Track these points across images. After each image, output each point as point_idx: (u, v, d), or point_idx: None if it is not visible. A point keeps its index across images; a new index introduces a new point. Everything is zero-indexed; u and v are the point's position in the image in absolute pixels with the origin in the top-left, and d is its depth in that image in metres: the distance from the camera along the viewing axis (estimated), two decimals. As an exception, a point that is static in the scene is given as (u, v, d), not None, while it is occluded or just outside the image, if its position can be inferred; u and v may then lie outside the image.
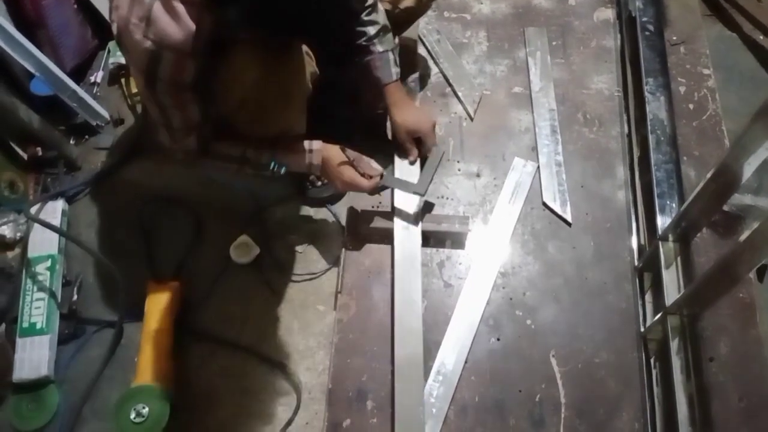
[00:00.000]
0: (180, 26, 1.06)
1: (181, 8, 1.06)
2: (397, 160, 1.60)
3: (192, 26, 1.07)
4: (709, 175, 1.19)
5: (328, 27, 1.25)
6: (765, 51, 1.97)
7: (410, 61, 1.78)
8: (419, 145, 1.56)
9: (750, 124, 1.04)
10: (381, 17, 1.47)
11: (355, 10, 1.42)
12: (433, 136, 1.56)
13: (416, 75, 1.77)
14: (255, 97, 1.23)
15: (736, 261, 1.06)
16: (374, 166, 1.43)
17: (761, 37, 1.96)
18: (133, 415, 1.31)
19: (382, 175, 1.44)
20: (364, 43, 1.46)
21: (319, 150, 1.38)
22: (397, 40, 1.52)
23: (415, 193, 1.50)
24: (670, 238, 1.37)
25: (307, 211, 1.67)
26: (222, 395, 1.45)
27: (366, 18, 1.44)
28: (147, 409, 1.32)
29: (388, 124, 1.60)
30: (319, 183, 1.65)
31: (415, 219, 1.52)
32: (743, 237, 1.01)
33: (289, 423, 1.41)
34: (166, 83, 1.13)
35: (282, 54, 1.24)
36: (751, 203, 1.55)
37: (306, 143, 1.38)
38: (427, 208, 1.56)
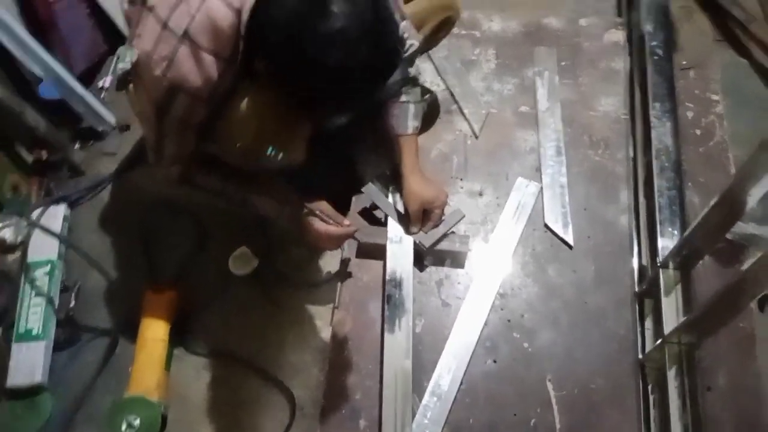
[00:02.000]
0: (201, 73, 1.07)
1: (208, 59, 1.06)
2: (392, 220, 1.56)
3: (214, 76, 1.08)
4: (712, 203, 1.17)
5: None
6: (775, 79, 1.95)
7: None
8: (425, 217, 1.52)
9: (756, 152, 1.03)
10: (413, 69, 1.46)
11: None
12: (442, 213, 1.52)
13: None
14: (255, 148, 1.21)
15: (738, 291, 1.05)
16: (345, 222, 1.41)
17: (773, 65, 1.95)
18: (124, 427, 1.31)
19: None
20: None
21: (294, 205, 1.37)
22: (427, 96, 1.48)
23: (419, 243, 1.51)
24: (671, 265, 1.35)
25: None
26: (215, 407, 1.45)
27: None
28: (138, 420, 1.32)
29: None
30: None
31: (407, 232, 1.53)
32: (746, 266, 1.00)
33: (281, 438, 1.41)
34: (176, 120, 1.14)
35: (289, 107, 1.19)
36: (755, 232, 1.53)
37: (285, 193, 1.38)
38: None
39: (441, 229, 1.52)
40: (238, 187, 1.35)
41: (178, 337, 1.50)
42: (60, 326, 1.50)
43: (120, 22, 1.86)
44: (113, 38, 1.92)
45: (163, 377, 1.41)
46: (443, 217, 1.53)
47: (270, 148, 1.19)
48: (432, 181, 1.54)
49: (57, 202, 1.64)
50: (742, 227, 1.52)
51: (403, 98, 1.45)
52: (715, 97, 1.81)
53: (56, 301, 1.51)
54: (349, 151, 1.66)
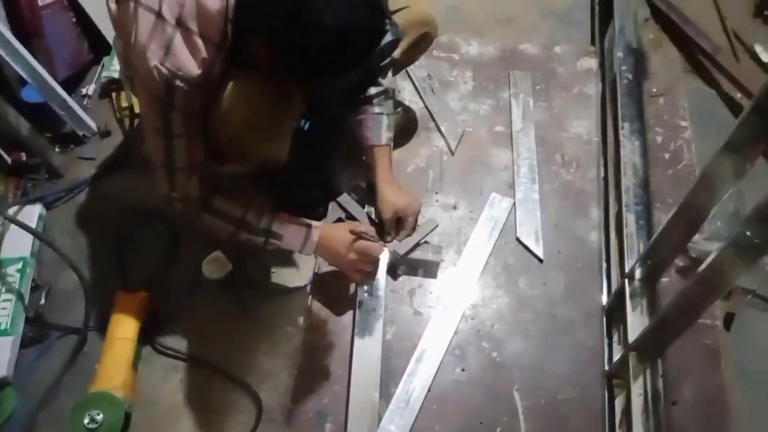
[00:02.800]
0: (196, 59, 1.08)
1: (200, 44, 1.08)
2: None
3: (208, 60, 1.10)
4: (674, 212, 1.21)
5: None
6: (742, 108, 2.02)
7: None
8: (399, 226, 1.55)
9: (713, 160, 1.08)
10: (386, 81, 1.50)
11: (376, 73, 1.43)
12: (415, 221, 1.55)
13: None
14: (243, 135, 1.23)
15: (696, 292, 1.08)
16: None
17: (739, 95, 2.02)
18: (86, 421, 1.29)
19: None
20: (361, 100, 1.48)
21: (318, 227, 1.39)
22: (399, 110, 1.52)
23: (393, 251, 1.53)
24: (637, 276, 1.38)
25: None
26: (183, 410, 1.43)
27: None
28: (102, 415, 1.30)
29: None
30: None
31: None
32: (702, 267, 1.03)
33: (246, 442, 1.39)
34: (181, 111, 1.14)
35: (275, 91, 1.22)
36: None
37: (309, 223, 1.39)
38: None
39: (415, 238, 1.55)
40: (260, 214, 1.35)
41: (147, 339, 1.49)
42: (29, 323, 1.49)
43: (106, 30, 1.89)
44: (98, 48, 1.94)
45: (129, 376, 1.40)
46: (417, 226, 1.56)
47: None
48: (405, 190, 1.57)
49: (33, 202, 1.64)
50: (707, 245, 1.57)
51: (377, 110, 1.49)
52: (683, 123, 1.87)
53: (26, 298, 1.50)
54: (326, 162, 1.69)
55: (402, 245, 1.53)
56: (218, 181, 1.33)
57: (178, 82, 1.08)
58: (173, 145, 1.19)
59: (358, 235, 1.40)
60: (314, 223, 1.40)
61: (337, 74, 1.07)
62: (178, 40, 1.07)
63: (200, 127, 1.20)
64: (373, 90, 1.48)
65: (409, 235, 1.54)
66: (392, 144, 1.56)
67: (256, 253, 1.60)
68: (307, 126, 1.45)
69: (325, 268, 1.56)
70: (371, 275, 1.50)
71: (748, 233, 0.90)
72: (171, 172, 1.24)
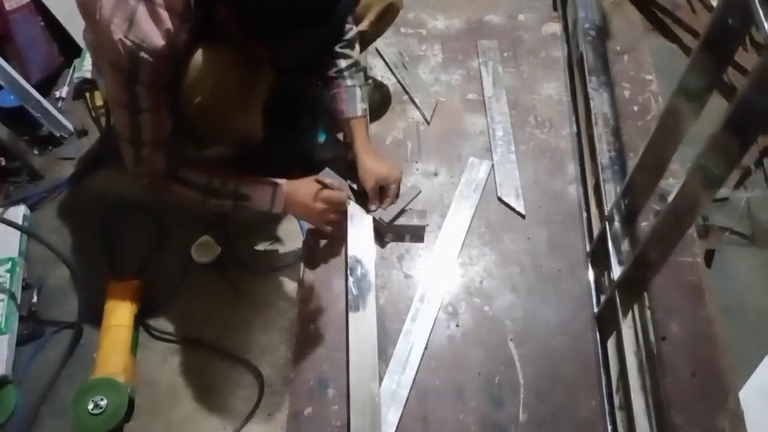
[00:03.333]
0: (161, 30, 1.10)
1: (165, 15, 1.10)
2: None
3: (173, 31, 1.11)
4: (644, 147, 1.26)
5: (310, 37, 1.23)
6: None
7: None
8: (382, 194, 1.57)
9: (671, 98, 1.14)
10: (355, 53, 1.53)
11: (339, 32, 1.47)
12: (398, 188, 1.58)
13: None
14: (213, 104, 1.24)
15: (670, 222, 1.12)
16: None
17: (699, 48, 2.07)
18: (91, 407, 1.30)
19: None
20: (333, 75, 1.51)
21: (284, 182, 1.42)
22: (370, 81, 1.55)
23: (379, 219, 1.56)
24: (616, 217, 1.42)
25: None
26: (184, 391, 1.44)
27: (340, 50, 1.49)
28: (105, 401, 1.31)
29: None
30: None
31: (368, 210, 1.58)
32: (671, 198, 1.08)
33: (250, 415, 1.41)
34: (147, 85, 1.15)
35: (243, 61, 1.25)
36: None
37: (276, 181, 1.41)
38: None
39: (399, 205, 1.57)
40: (225, 179, 1.36)
41: (143, 326, 1.50)
42: (23, 321, 1.49)
43: (75, 33, 1.90)
44: (69, 51, 1.96)
45: (129, 361, 1.41)
46: (400, 194, 1.59)
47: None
48: (385, 158, 1.59)
49: (17, 203, 1.64)
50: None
51: (350, 83, 1.52)
52: (649, 77, 1.92)
53: (18, 297, 1.51)
54: (304, 139, 1.71)
55: (387, 213, 1.56)
56: (183, 153, 1.34)
57: (142, 54, 1.09)
58: (139, 120, 1.20)
59: (323, 185, 1.44)
60: (280, 180, 1.42)
61: (303, 30, 1.10)
62: (142, 12, 1.08)
63: (168, 101, 1.21)
64: (343, 63, 1.50)
65: (393, 202, 1.57)
66: (368, 115, 1.59)
67: (228, 215, 1.64)
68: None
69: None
70: (340, 224, 1.53)
71: (707, 164, 0.95)
72: (137, 147, 1.25)
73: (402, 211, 1.58)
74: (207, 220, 1.65)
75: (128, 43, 1.08)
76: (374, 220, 1.56)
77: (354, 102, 1.53)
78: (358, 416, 1.32)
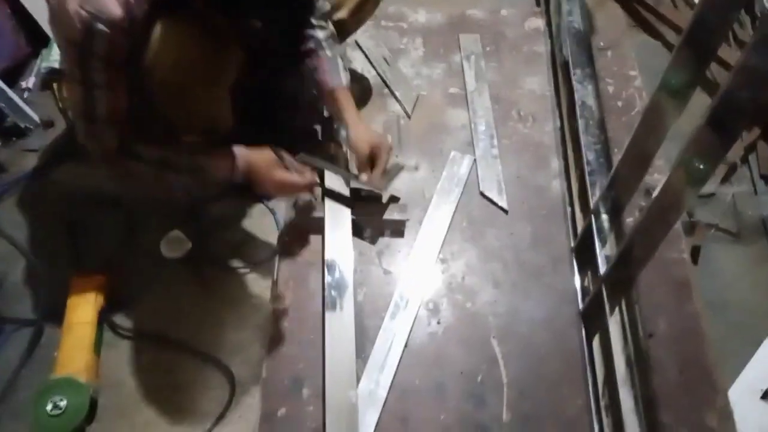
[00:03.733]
0: (119, 1, 1.05)
1: None
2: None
3: (132, 2, 1.06)
4: (630, 138, 1.22)
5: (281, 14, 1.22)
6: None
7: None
8: (372, 165, 1.50)
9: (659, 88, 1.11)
10: (330, 26, 1.48)
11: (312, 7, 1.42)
12: (389, 157, 1.50)
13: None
14: (176, 80, 1.20)
15: (655, 215, 1.09)
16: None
17: (682, 44, 2.06)
18: (50, 407, 1.22)
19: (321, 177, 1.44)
20: (312, 47, 1.44)
21: (245, 154, 1.35)
22: (345, 50, 1.48)
23: (375, 188, 1.49)
24: (602, 210, 1.38)
25: (242, 207, 1.64)
26: (151, 392, 1.37)
27: (316, 22, 1.44)
28: (65, 401, 1.23)
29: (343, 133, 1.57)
30: None
31: (347, 201, 1.52)
32: (656, 192, 1.04)
33: (221, 416, 1.33)
34: (102, 59, 1.09)
35: (206, 34, 1.20)
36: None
37: (232, 149, 1.35)
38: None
39: (389, 174, 1.52)
40: (178, 151, 1.30)
41: (108, 323, 1.43)
42: (-21, 320, 1.41)
43: (43, 22, 1.83)
44: (36, 41, 1.89)
45: (91, 360, 1.33)
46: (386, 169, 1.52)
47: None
48: (371, 127, 1.53)
49: (-23, 197, 1.57)
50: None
51: (330, 53, 1.45)
52: (633, 73, 1.90)
53: (-25, 294, 1.43)
54: (280, 122, 1.66)
55: (379, 182, 1.48)
56: (136, 129, 1.27)
57: (99, 26, 1.04)
58: (93, 96, 1.14)
59: (277, 153, 1.37)
60: (239, 150, 1.35)
61: (269, 5, 1.05)
62: None
63: (126, 79, 1.15)
64: (321, 33, 1.44)
65: (382, 171, 1.48)
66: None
67: (197, 198, 1.59)
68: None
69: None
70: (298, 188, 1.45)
71: (691, 160, 0.94)
72: (90, 123, 1.19)
73: (393, 176, 1.53)
74: (180, 211, 1.59)
75: (83, 13, 1.02)
76: (352, 217, 1.50)
77: (337, 72, 1.46)
78: (335, 417, 1.26)
